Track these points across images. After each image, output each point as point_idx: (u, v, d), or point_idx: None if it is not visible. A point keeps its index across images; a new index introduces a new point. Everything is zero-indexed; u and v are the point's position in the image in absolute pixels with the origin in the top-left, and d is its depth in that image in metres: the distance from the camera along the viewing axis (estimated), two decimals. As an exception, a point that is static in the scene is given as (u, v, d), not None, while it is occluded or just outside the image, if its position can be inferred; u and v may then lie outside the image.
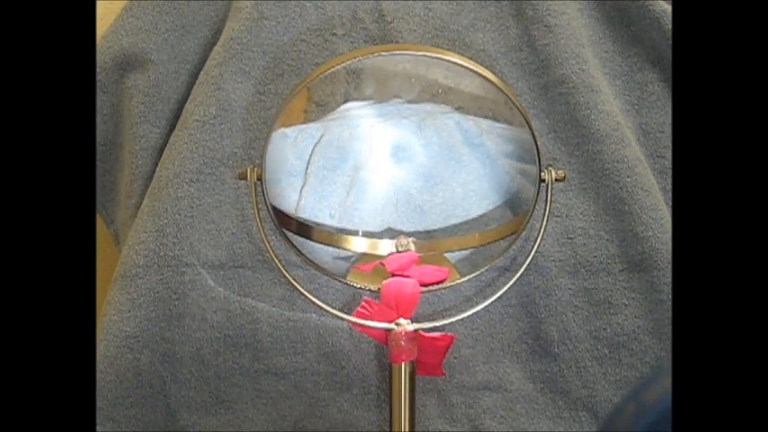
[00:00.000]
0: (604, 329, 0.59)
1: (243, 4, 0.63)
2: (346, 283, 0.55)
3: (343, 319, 0.52)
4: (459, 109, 0.59)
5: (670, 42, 0.61)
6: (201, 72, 0.63)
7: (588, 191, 0.60)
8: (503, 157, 0.58)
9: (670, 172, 0.61)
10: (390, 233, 0.57)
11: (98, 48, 0.65)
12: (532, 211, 0.53)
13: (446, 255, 0.57)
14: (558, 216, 0.59)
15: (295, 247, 0.54)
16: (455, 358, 0.59)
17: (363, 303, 0.51)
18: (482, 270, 0.55)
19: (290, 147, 0.58)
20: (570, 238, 0.59)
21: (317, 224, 0.57)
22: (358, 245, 0.57)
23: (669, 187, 0.60)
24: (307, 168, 0.57)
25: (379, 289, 0.52)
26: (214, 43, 0.64)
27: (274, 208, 0.54)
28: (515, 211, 0.57)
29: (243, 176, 0.52)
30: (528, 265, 0.53)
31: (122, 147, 0.65)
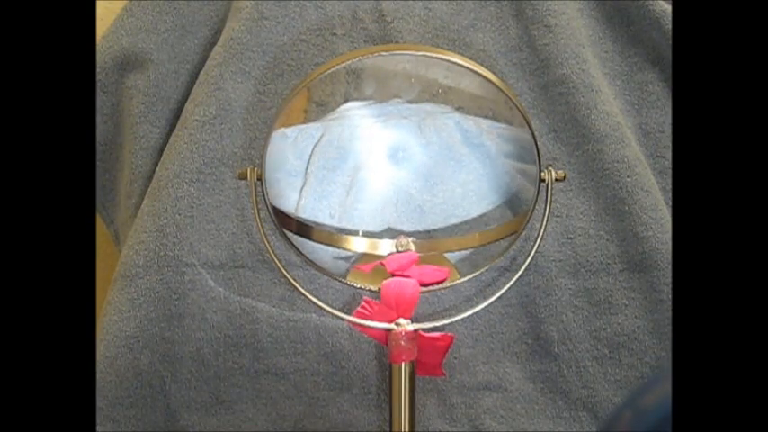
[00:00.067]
0: (604, 329, 0.59)
1: (243, 4, 0.63)
2: (346, 283, 0.55)
3: (343, 319, 0.52)
4: (459, 109, 0.59)
5: (670, 42, 0.61)
6: (201, 72, 0.63)
7: (588, 191, 0.60)
8: (503, 157, 0.58)
9: (670, 172, 0.61)
10: (390, 233, 0.57)
11: (98, 48, 0.65)
12: (532, 211, 0.53)
13: (446, 255, 0.57)
14: (558, 216, 0.59)
15: (295, 247, 0.54)
16: (455, 358, 0.59)
17: (363, 303, 0.51)
18: (482, 270, 0.55)
19: (290, 147, 0.58)
20: (570, 238, 0.59)
21: (317, 224, 0.57)
22: (358, 245, 0.57)
23: (669, 187, 0.60)
24: (307, 168, 0.57)
25: (379, 289, 0.52)
26: (214, 43, 0.64)
27: (274, 208, 0.54)
28: (515, 211, 0.57)
29: (243, 176, 0.52)
30: (528, 265, 0.53)
31: (122, 147, 0.65)
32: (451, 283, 0.55)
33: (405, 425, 0.50)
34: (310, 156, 0.58)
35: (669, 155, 0.61)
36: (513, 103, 0.50)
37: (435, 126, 0.58)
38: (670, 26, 0.61)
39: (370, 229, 0.57)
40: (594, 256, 0.59)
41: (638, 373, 0.58)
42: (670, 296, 0.57)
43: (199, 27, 0.66)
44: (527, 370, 0.60)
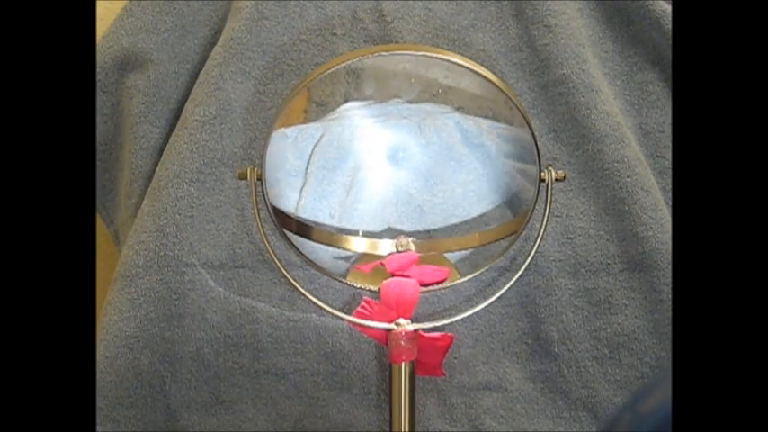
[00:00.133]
0: (604, 329, 0.59)
1: (243, 4, 0.63)
2: (346, 283, 0.55)
3: (343, 319, 0.52)
4: (459, 109, 0.59)
5: (670, 42, 0.61)
6: (201, 72, 0.63)
7: (588, 191, 0.60)
8: (503, 157, 0.58)
9: (670, 172, 0.61)
10: (390, 233, 0.57)
11: (98, 48, 0.65)
12: (532, 211, 0.53)
13: (446, 255, 0.57)
14: (558, 216, 0.59)
15: (295, 247, 0.54)
16: (455, 358, 0.59)
17: (363, 303, 0.51)
18: (482, 270, 0.55)
19: (290, 147, 0.58)
20: (570, 238, 0.59)
21: (317, 224, 0.57)
22: (358, 245, 0.57)
23: (669, 187, 0.60)
24: (307, 168, 0.57)
25: (379, 289, 0.52)
26: (214, 43, 0.64)
27: (274, 208, 0.54)
28: (515, 211, 0.57)
29: (243, 176, 0.52)
30: (528, 265, 0.53)
31: (122, 147, 0.65)
32: (451, 283, 0.55)
33: (405, 425, 0.50)
34: (310, 156, 0.58)
35: (669, 155, 0.61)
36: (513, 103, 0.50)
37: (435, 126, 0.58)
38: (670, 26, 0.61)
39: (370, 229, 0.57)
40: (594, 256, 0.59)
41: (638, 373, 0.58)
42: (670, 296, 0.57)
43: (199, 27, 0.66)
44: (527, 370, 0.60)
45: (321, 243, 0.56)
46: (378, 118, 0.59)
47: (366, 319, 0.50)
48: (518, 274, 0.53)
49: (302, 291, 0.51)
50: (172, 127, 0.63)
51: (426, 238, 0.57)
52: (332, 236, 0.57)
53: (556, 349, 0.59)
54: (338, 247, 0.57)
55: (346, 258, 0.57)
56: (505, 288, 0.52)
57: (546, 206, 0.52)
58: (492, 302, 0.52)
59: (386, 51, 0.51)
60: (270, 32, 0.63)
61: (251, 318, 0.59)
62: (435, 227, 0.58)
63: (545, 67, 0.61)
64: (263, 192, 0.52)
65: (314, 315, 0.59)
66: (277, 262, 0.52)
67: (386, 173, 0.58)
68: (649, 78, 0.62)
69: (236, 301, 0.59)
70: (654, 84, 0.62)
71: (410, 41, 0.62)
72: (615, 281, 0.59)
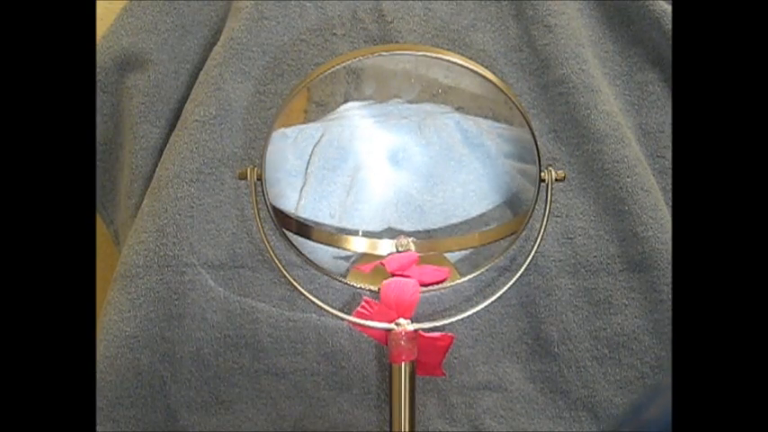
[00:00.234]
0: (604, 329, 0.59)
1: (243, 4, 0.63)
2: (346, 283, 0.55)
3: (343, 319, 0.52)
4: (459, 109, 0.59)
5: (670, 42, 0.61)
6: (201, 72, 0.63)
7: (588, 191, 0.60)
8: (503, 157, 0.58)
9: (670, 172, 0.61)
10: (390, 233, 0.57)
11: (98, 48, 0.65)
12: (532, 211, 0.53)
13: (446, 255, 0.57)
14: (558, 216, 0.59)
15: (295, 247, 0.54)
16: (455, 358, 0.59)
17: (363, 303, 0.51)
18: (482, 270, 0.55)
19: (290, 147, 0.58)
20: (570, 238, 0.59)
21: (317, 224, 0.57)
22: (358, 245, 0.57)
23: (669, 187, 0.60)
24: (307, 168, 0.57)
25: (379, 289, 0.52)
26: (214, 43, 0.64)
27: (274, 208, 0.54)
28: (515, 211, 0.57)
29: (243, 176, 0.52)
30: (528, 265, 0.53)
31: (122, 147, 0.65)
32: (451, 283, 0.55)
33: (405, 425, 0.50)
34: (310, 156, 0.58)
35: (669, 155, 0.61)
36: (513, 103, 0.50)
37: (435, 126, 0.58)
38: (670, 26, 0.61)
39: (371, 229, 0.57)
40: (594, 256, 0.59)
41: (638, 373, 0.58)
42: (670, 296, 0.57)
43: (199, 27, 0.66)
44: (527, 370, 0.60)
45: (321, 243, 0.57)
46: (378, 118, 0.59)
47: (366, 319, 0.50)
48: (518, 274, 0.53)
49: (302, 291, 0.51)
50: (172, 127, 0.63)
51: (426, 238, 0.57)
52: (332, 236, 0.57)
53: (556, 349, 0.59)
54: (338, 247, 0.57)
55: (346, 258, 0.57)
56: (505, 288, 0.52)
57: (546, 206, 0.52)
58: (492, 302, 0.52)
59: (386, 51, 0.51)
60: (270, 32, 0.63)
61: (251, 318, 0.59)
62: (435, 227, 0.58)
63: (545, 67, 0.61)
64: (263, 192, 0.52)
65: (314, 315, 0.59)
66: (277, 262, 0.52)
67: (386, 173, 0.58)
68: (649, 78, 0.62)
69: (236, 301, 0.59)
70: (654, 84, 0.62)
71: (410, 41, 0.62)
72: (615, 281, 0.59)
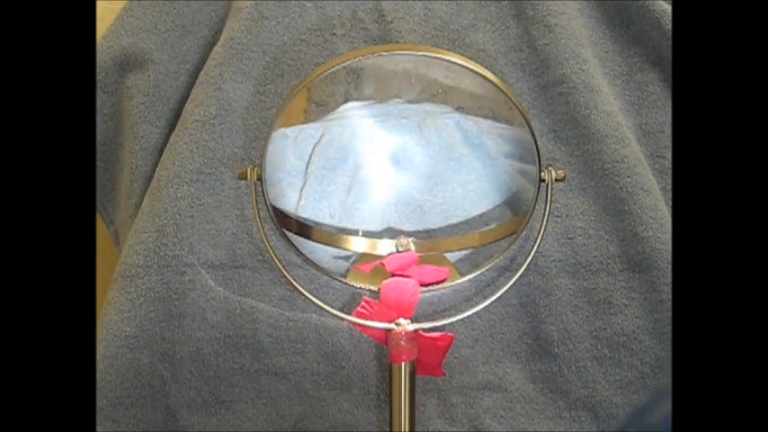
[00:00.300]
0: (604, 329, 0.59)
1: (243, 4, 0.63)
2: (346, 283, 0.55)
3: (343, 319, 0.52)
4: (459, 109, 0.59)
5: (670, 42, 0.61)
6: (201, 72, 0.63)
7: (588, 191, 0.60)
8: (503, 157, 0.58)
9: (670, 172, 0.61)
10: (390, 233, 0.57)
11: (98, 48, 0.65)
12: (532, 211, 0.53)
13: (446, 255, 0.57)
14: (558, 216, 0.59)
15: (295, 247, 0.54)
16: (455, 358, 0.59)
17: (363, 303, 0.51)
18: (482, 270, 0.55)
19: (290, 147, 0.58)
20: (570, 238, 0.59)
21: (317, 224, 0.57)
22: (358, 245, 0.57)
23: (669, 187, 0.60)
24: (307, 168, 0.57)
25: (379, 289, 0.52)
26: (214, 43, 0.64)
27: (274, 208, 0.54)
28: (515, 211, 0.57)
29: (243, 176, 0.52)
30: (528, 265, 0.53)
31: (122, 147, 0.65)
32: (451, 283, 0.55)
33: (405, 425, 0.50)
34: (310, 156, 0.58)
35: (669, 155, 0.61)
36: (513, 103, 0.50)
37: (435, 126, 0.58)
38: (670, 26, 0.61)
39: (371, 228, 0.57)
40: (594, 256, 0.59)
41: (638, 373, 0.58)
42: (670, 296, 0.57)
43: (199, 27, 0.66)
44: (527, 370, 0.60)
45: (321, 243, 0.57)
46: (378, 118, 0.59)
47: (366, 319, 0.50)
48: (518, 274, 0.53)
49: (302, 291, 0.51)
50: (172, 127, 0.63)
51: (426, 238, 0.57)
52: (332, 236, 0.57)
53: (556, 349, 0.59)
54: (338, 247, 0.57)
55: (346, 258, 0.57)
56: (505, 288, 0.52)
57: (546, 206, 0.52)
58: (492, 302, 0.52)
59: (386, 51, 0.51)
60: (270, 32, 0.63)
61: (251, 318, 0.59)
62: (435, 227, 0.58)
63: (545, 67, 0.61)
64: (263, 192, 0.52)
65: (314, 315, 0.59)
66: (277, 262, 0.52)
67: (386, 173, 0.58)
68: (649, 78, 0.62)
69: (236, 301, 0.59)
70: (654, 84, 0.62)
71: (410, 41, 0.62)
72: (615, 281, 0.59)
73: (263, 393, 0.59)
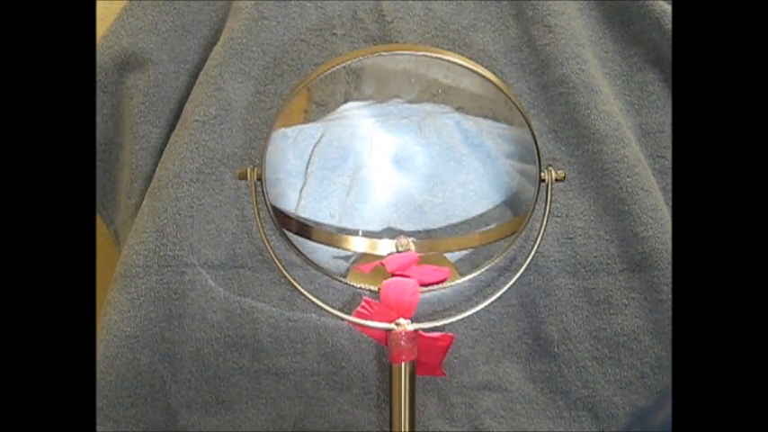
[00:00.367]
0: (604, 329, 0.59)
1: (243, 4, 0.63)
2: (346, 283, 0.55)
3: (343, 319, 0.52)
4: (459, 109, 0.59)
5: (670, 42, 0.61)
6: (201, 72, 0.63)
7: (588, 191, 0.60)
8: (503, 157, 0.58)
9: (670, 172, 0.61)
10: (390, 233, 0.57)
11: (98, 48, 0.65)
12: (532, 211, 0.53)
13: (446, 255, 0.57)
14: (558, 216, 0.60)
15: (295, 247, 0.54)
16: (455, 358, 0.59)
17: (363, 303, 0.51)
18: (482, 270, 0.55)
19: (290, 147, 0.58)
20: (570, 238, 0.59)
21: (317, 224, 0.57)
22: (358, 245, 0.57)
23: (669, 187, 0.60)
24: (307, 168, 0.57)
25: (379, 289, 0.52)
26: (214, 43, 0.64)
27: (274, 208, 0.54)
28: (515, 210, 0.57)
29: (243, 176, 0.52)
30: (528, 265, 0.53)
31: (122, 147, 0.65)
32: (451, 283, 0.55)
33: (405, 425, 0.50)
34: (310, 156, 0.58)
35: (669, 155, 0.61)
36: (513, 103, 0.50)
37: (435, 126, 0.58)
38: (670, 26, 0.61)
39: (371, 228, 0.57)
40: (594, 256, 0.59)
41: (638, 372, 0.58)
42: (670, 296, 0.57)
43: (199, 27, 0.66)
44: (527, 370, 0.60)
45: (321, 243, 0.57)
46: (378, 118, 0.59)
47: (366, 319, 0.50)
48: (518, 274, 0.53)
49: (302, 291, 0.51)
50: (172, 127, 0.63)
51: (426, 238, 0.57)
52: (332, 236, 0.57)
53: (556, 349, 0.59)
54: (338, 247, 0.57)
55: (346, 258, 0.57)
56: (505, 288, 0.52)
57: (546, 206, 0.52)
58: (492, 302, 0.52)
59: (386, 51, 0.51)
60: (270, 32, 0.63)
61: (251, 318, 0.59)
62: (435, 227, 0.58)
63: (545, 67, 0.61)
64: (263, 192, 0.52)
65: (314, 315, 0.59)
66: (277, 262, 0.52)
67: (386, 173, 0.58)
68: (649, 78, 0.62)
69: (236, 301, 0.59)
70: (654, 84, 0.62)
71: (410, 41, 0.62)
72: (615, 281, 0.59)
73: (263, 393, 0.59)
